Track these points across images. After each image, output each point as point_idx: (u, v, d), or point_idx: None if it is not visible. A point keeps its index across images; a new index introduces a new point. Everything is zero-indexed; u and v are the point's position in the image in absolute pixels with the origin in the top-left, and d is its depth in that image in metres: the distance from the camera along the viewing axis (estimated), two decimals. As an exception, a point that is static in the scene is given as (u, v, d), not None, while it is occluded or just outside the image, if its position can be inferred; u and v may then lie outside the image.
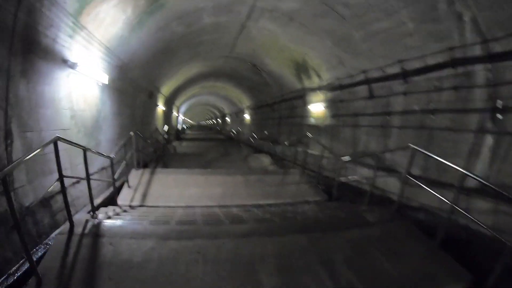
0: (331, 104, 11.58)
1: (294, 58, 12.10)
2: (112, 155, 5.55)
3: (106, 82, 6.58)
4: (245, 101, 27.12)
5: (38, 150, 3.11)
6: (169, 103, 20.89)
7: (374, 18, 7.05)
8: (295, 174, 8.55)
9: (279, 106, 17.82)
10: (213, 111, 53.54)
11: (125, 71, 8.23)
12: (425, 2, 5.72)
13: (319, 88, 12.19)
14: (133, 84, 9.59)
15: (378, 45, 7.65)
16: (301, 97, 14.20)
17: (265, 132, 19.07)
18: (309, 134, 10.70)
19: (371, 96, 8.90)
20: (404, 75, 7.17)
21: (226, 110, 41.14)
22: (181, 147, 16.89)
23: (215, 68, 17.54)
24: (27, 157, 2.88)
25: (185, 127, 42.06)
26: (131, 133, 7.33)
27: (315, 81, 12.29)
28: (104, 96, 6.96)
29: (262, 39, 11.46)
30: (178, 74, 15.44)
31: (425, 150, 5.25)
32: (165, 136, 13.73)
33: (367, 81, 8.91)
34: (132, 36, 7.22)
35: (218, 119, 54.75)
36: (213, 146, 18.09)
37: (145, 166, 9.52)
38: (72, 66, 5.07)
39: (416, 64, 6.83)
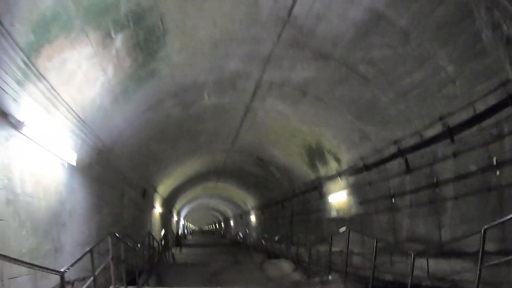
0: (356, 190, 9.88)
1: (307, 143, 10.77)
2: (64, 269, 3.53)
3: (74, 162, 4.86)
4: (250, 202, 25.28)
5: None
6: (168, 205, 18.98)
7: (405, 72, 5.95)
8: (337, 284, 6.18)
9: (290, 203, 15.91)
10: (216, 215, 51.28)
11: (107, 157, 6.65)
12: (466, 34, 4.54)
13: (339, 174, 10.56)
14: (119, 176, 7.96)
15: (411, 104, 6.45)
16: (316, 189, 12.44)
17: (275, 237, 16.77)
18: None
19: (408, 169, 7.44)
20: (450, 133, 5.94)
21: (229, 213, 38.96)
22: (181, 254, 14.27)
23: (217, 165, 16.19)
24: None
25: (185, 233, 39.03)
26: (109, 236, 5.24)
27: (332, 167, 10.73)
28: (73, 183, 5.19)
29: (270, 124, 10.29)
30: (177, 171, 13.98)
31: (497, 215, 4.49)
32: (162, 242, 11.43)
33: (401, 153, 7.52)
34: (116, 110, 5.84)
35: (221, 223, 52.12)
36: (219, 253, 15.43)
37: (131, 282, 7.20)
38: (17, 125, 3.46)
39: (464, 116, 5.54)
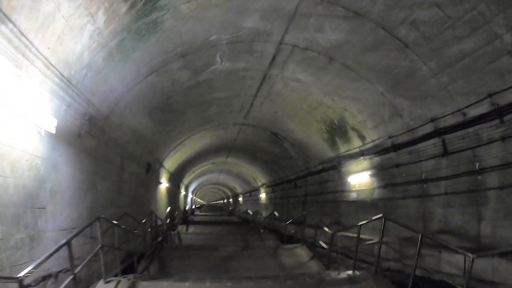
0: (381, 172, 9.03)
1: (328, 117, 9.79)
2: (23, 275, 2.67)
3: (53, 130, 3.96)
4: (261, 179, 24.59)
5: None
6: (175, 180, 18.38)
7: (453, 38, 5.03)
8: (367, 282, 5.30)
9: (304, 182, 15.10)
10: (225, 190, 51.01)
11: (101, 126, 5.76)
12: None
13: (362, 154, 9.63)
14: (118, 149, 7.11)
15: (456, 77, 5.54)
16: (334, 168, 11.56)
17: (275, 213, 16.06)
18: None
19: (445, 152, 6.61)
20: (499, 113, 5.25)
21: (239, 190, 38.53)
22: (188, 234, 13.52)
23: (228, 140, 15.35)
24: None
25: (194, 208, 38.92)
26: (98, 221, 4.38)
27: (355, 145, 9.79)
28: (56, 156, 4.28)
29: (288, 95, 9.30)
30: (185, 145, 13.18)
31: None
32: (167, 220, 10.69)
33: (438, 132, 6.65)
34: (111, 69, 4.87)
35: (229, 199, 51.87)
36: (228, 233, 14.59)
37: (129, 269, 6.49)
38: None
39: (517, 94, 4.70)
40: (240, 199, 39.48)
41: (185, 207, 25.05)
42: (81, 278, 4.74)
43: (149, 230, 8.35)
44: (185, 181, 24.70)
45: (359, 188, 10.19)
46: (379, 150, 8.91)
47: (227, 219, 29.64)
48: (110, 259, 5.50)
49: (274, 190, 21.39)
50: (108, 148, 6.55)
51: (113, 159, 6.92)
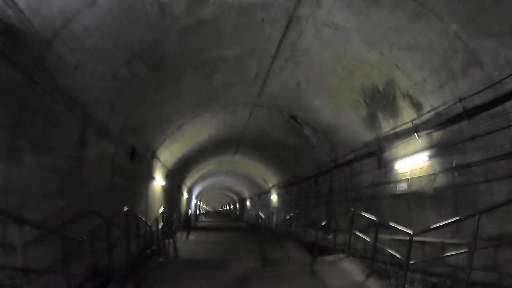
0: (446, 150, 6.90)
1: (370, 83, 7.56)
2: None
3: None
4: (272, 179, 22.35)
5: None
6: (175, 179, 16.12)
7: None
8: None
9: (327, 177, 12.78)
10: (231, 195, 48.96)
11: (37, 54, 3.51)
12: None
13: (416, 129, 7.38)
14: (73, 107, 4.66)
15: None
16: (373, 154, 9.28)
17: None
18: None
19: None
20: None
21: (246, 194, 36.38)
22: (188, 243, 10.88)
23: (236, 130, 13.10)
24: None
25: (197, 213, 36.43)
26: None
27: (406, 118, 7.56)
28: None
29: (319, 53, 7.09)
30: (185, 132, 10.94)
31: None
32: (159, 225, 8.15)
33: None
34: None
35: (236, 204, 49.78)
36: (238, 241, 11.88)
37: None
38: None
39: None
40: (248, 203, 37.28)
41: (187, 212, 22.66)
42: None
43: (134, 237, 6.03)
44: (188, 182, 22.47)
45: (411, 176, 7.90)
46: (443, 121, 6.71)
47: (234, 224, 27.16)
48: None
49: (289, 191, 19.07)
50: (54, 100, 4.29)
51: (63, 120, 4.61)
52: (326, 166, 12.55)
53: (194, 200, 33.07)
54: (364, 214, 6.63)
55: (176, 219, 13.19)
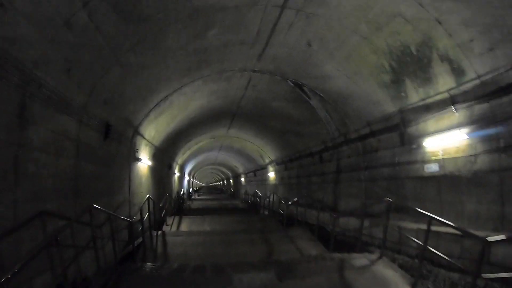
0: (491, 127, 5.67)
1: (400, 42, 6.18)
2: None
3: None
4: (270, 155, 21.12)
5: None
6: (164, 158, 14.81)
7: None
8: None
9: (335, 154, 11.56)
10: (224, 171, 48.02)
11: None
12: None
13: (454, 100, 6.15)
14: (7, 69, 3.35)
15: None
16: (394, 129, 8.03)
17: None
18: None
19: None
20: None
21: (240, 169, 35.27)
22: (178, 235, 8.86)
23: (231, 100, 11.69)
24: None
25: (191, 192, 35.30)
26: None
27: (442, 87, 6.29)
28: None
29: (340, 2, 5.63)
30: (173, 104, 9.52)
31: None
32: (144, 216, 6.75)
33: None
34: None
35: (230, 180, 48.92)
36: (237, 230, 10.58)
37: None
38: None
39: None
40: (242, 179, 36.25)
41: (178, 192, 21.46)
42: None
43: (93, 241, 4.69)
44: (179, 160, 21.17)
45: (444, 156, 6.68)
46: (489, 92, 5.48)
47: (229, 204, 26.04)
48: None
49: (288, 167, 17.90)
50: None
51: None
52: (334, 141, 11.30)
53: (186, 178, 31.94)
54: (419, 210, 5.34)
55: (167, 202, 11.93)
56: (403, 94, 7.25)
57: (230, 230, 9.78)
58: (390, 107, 7.80)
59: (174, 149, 16.49)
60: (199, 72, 7.99)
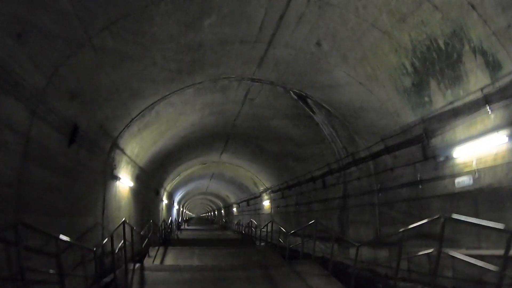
0: None
1: (426, 35, 5.42)
2: None
3: None
4: (264, 182, 20.08)
5: None
6: (151, 182, 13.60)
7: None
8: None
9: (341, 177, 10.53)
10: (216, 201, 46.70)
11: None
12: None
13: (487, 99, 5.32)
14: None
15: None
16: (413, 142, 7.11)
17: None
18: None
19: None
20: None
21: (232, 199, 34.03)
22: (161, 271, 7.26)
23: (227, 118, 10.75)
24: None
25: (180, 222, 33.41)
26: None
27: (473, 86, 5.48)
28: None
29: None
30: (160, 115, 8.51)
31: None
32: (117, 246, 5.33)
33: None
34: None
35: (221, 211, 47.46)
36: (231, 261, 8.87)
37: None
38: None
39: None
40: (234, 209, 34.86)
41: (164, 221, 19.96)
42: None
43: None
44: (168, 186, 19.89)
45: (479, 166, 5.70)
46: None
47: (221, 234, 24.48)
48: None
49: (285, 194, 16.76)
50: None
51: None
52: (340, 162, 10.30)
53: (176, 207, 30.41)
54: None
55: (151, 230, 10.58)
56: (426, 99, 6.38)
57: (223, 265, 8.31)
58: (409, 117, 6.90)
59: (162, 173, 15.31)
60: (191, 77, 7.04)
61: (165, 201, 19.90)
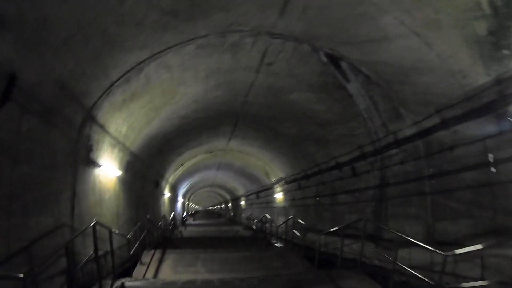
0: None
1: None
2: None
3: None
4: (277, 172, 18.53)
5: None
6: (147, 171, 12.09)
7: None
8: None
9: (377, 162, 8.85)
10: (223, 194, 45.46)
11: None
12: None
13: None
14: None
15: None
16: (484, 111, 5.49)
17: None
18: None
19: None
20: None
21: (241, 191, 32.62)
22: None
23: (237, 90, 9.11)
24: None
25: (185, 216, 31.97)
26: None
27: None
28: None
29: None
30: (151, 80, 6.90)
31: None
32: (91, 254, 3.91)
33: None
34: None
35: (228, 204, 46.29)
36: (246, 270, 7.30)
37: None
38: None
39: None
40: (243, 202, 33.48)
41: (164, 217, 18.39)
42: None
43: None
44: (170, 178, 18.41)
45: None
46: None
47: (230, 230, 22.83)
48: None
49: (302, 185, 15.13)
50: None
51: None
52: (377, 144, 8.62)
53: (181, 200, 29.01)
54: None
55: (145, 230, 8.95)
56: (505, 52, 4.66)
57: (237, 278, 6.43)
58: (480, 77, 5.20)
59: (163, 162, 13.78)
60: (192, 25, 5.37)
61: (167, 194, 18.42)
